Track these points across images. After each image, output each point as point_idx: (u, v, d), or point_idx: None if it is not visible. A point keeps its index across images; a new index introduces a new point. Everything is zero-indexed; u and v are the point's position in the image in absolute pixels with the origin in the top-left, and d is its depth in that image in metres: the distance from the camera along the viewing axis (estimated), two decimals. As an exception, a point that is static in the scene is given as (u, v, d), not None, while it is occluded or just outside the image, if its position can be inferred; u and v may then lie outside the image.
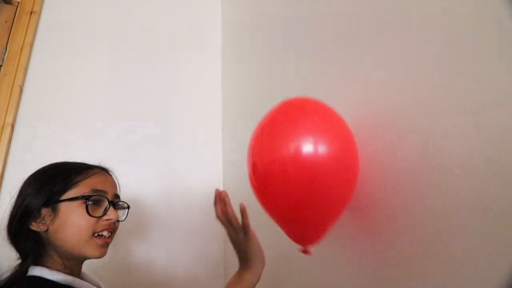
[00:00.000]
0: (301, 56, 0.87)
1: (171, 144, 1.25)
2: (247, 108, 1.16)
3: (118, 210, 0.63)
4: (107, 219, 0.59)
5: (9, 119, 1.04)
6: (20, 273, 0.55)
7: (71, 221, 0.56)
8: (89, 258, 0.59)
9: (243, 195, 1.13)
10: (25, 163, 1.01)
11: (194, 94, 1.35)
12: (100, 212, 0.59)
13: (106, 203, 0.60)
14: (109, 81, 1.23)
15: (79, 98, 1.17)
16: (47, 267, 0.56)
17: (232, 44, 1.38)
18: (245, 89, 1.21)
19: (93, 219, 0.57)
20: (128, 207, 0.68)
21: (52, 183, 0.58)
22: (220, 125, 1.36)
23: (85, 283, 0.59)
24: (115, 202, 0.63)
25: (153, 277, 1.08)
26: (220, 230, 1.19)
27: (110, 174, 0.67)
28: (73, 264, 0.59)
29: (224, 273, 1.18)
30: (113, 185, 0.65)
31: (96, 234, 0.58)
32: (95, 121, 1.16)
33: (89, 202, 0.57)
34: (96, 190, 0.59)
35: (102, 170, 0.65)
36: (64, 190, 0.58)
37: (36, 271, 0.54)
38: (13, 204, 0.59)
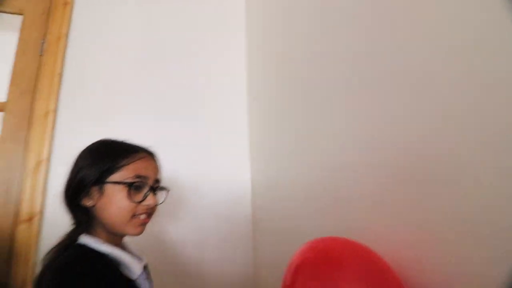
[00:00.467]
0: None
1: (201, 131, 1.27)
2: (273, 96, 1.12)
3: (157, 194, 0.66)
4: (146, 204, 0.62)
5: (51, 106, 1.10)
6: (70, 239, 0.60)
7: (114, 202, 0.60)
8: (128, 235, 0.64)
9: (270, 183, 1.15)
10: (69, 146, 1.07)
11: (222, 85, 1.35)
12: (140, 197, 0.62)
13: (146, 189, 0.63)
14: (140, 67, 1.25)
15: (113, 83, 1.20)
16: (94, 237, 0.61)
17: (257, 30, 1.33)
18: (270, 77, 1.16)
19: (134, 203, 0.61)
20: (168, 191, 0.70)
21: (101, 163, 0.62)
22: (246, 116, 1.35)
23: (126, 254, 0.62)
24: (155, 187, 0.65)
25: (186, 254, 1.12)
26: (247, 214, 1.32)
27: (154, 159, 0.69)
28: (115, 237, 0.64)
29: (253, 254, 1.21)
30: (156, 170, 0.67)
31: (136, 217, 0.62)
32: (130, 105, 1.20)
33: (131, 188, 0.61)
34: (139, 176, 0.62)
35: (148, 155, 0.67)
36: (111, 172, 0.61)
37: (84, 239, 0.60)
38: (68, 174, 0.64)
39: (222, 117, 1.30)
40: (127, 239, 0.70)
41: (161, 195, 0.68)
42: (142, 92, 1.23)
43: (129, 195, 0.60)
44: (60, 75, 1.15)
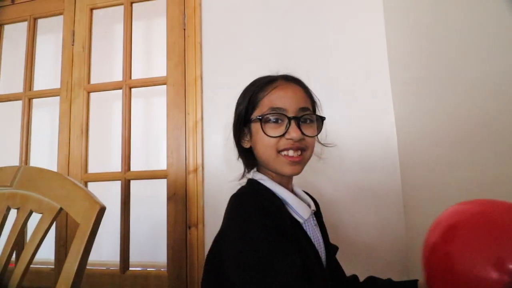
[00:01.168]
0: None
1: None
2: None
3: (306, 125, 0.58)
4: (288, 138, 0.55)
5: (198, 72, 1.25)
6: (246, 176, 0.65)
7: (258, 140, 0.58)
8: (284, 174, 0.59)
9: (417, 151, 0.96)
10: (216, 107, 1.22)
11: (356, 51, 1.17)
12: (280, 130, 0.55)
13: (286, 121, 0.56)
14: (272, 32, 1.24)
15: (248, 47, 1.24)
16: (264, 174, 0.61)
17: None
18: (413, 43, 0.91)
19: (275, 139, 0.56)
20: (321, 119, 0.60)
21: (244, 101, 0.61)
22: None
23: (293, 197, 0.59)
24: (300, 117, 0.56)
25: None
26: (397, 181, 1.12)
27: (295, 85, 0.60)
28: (283, 178, 0.61)
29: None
30: (296, 98, 0.58)
31: (283, 153, 0.57)
32: (262, 64, 1.22)
33: (264, 123, 0.56)
34: (273, 108, 0.56)
35: (285, 82, 0.60)
36: (252, 110, 0.59)
37: (256, 175, 0.62)
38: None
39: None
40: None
41: (311, 127, 0.59)
42: (272, 53, 1.22)
43: (265, 130, 0.56)
44: (200, 44, 1.27)
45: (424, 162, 0.91)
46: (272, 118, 0.56)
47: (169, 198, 1.21)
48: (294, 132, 0.55)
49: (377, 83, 1.13)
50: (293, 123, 0.56)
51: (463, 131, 0.70)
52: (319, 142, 0.67)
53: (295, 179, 0.65)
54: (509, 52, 0.55)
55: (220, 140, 1.20)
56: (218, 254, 0.54)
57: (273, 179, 0.60)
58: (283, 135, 0.56)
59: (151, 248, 1.41)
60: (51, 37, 1.59)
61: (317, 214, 0.68)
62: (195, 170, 1.21)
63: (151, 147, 1.49)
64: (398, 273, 1.04)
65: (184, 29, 1.30)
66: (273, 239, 0.47)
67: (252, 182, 0.61)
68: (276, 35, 1.23)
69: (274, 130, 0.56)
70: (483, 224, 0.39)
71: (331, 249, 0.66)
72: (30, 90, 1.44)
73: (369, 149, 1.11)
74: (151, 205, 1.41)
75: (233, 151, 0.67)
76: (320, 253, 0.59)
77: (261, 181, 0.60)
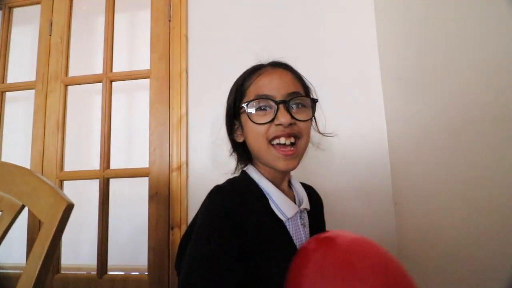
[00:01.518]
0: None
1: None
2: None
3: (297, 109, 0.54)
4: (277, 124, 0.52)
5: (183, 65, 1.19)
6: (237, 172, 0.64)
7: (249, 131, 0.55)
8: (278, 169, 0.55)
9: (407, 148, 0.94)
10: (203, 102, 1.17)
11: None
12: (269, 117, 0.52)
13: (274, 107, 0.52)
14: (261, 25, 1.20)
15: (234, 39, 1.20)
16: (256, 167, 0.59)
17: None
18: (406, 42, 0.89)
19: (263, 126, 0.53)
20: (314, 101, 0.56)
21: (231, 95, 0.59)
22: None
23: (280, 193, 0.56)
24: (288, 101, 0.53)
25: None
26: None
27: (282, 70, 0.57)
28: (276, 173, 0.57)
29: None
30: (283, 82, 0.54)
31: (274, 143, 0.53)
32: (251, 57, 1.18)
33: (249, 111, 0.53)
34: (260, 96, 0.53)
35: (271, 68, 0.57)
36: (240, 101, 0.57)
37: (248, 168, 0.60)
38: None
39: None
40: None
41: (304, 112, 0.55)
42: (261, 46, 1.18)
43: (252, 118, 0.53)
44: (186, 36, 1.22)
45: (415, 159, 0.89)
46: (257, 104, 0.53)
47: (150, 198, 1.15)
48: (282, 117, 0.51)
49: (368, 79, 1.11)
50: (281, 107, 0.52)
51: (454, 128, 0.67)
52: (319, 132, 0.63)
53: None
54: (504, 47, 0.53)
55: (206, 137, 1.14)
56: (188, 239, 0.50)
57: (264, 173, 0.57)
58: (272, 120, 0.52)
59: (131, 251, 1.34)
60: (29, 28, 1.50)
61: (314, 213, 0.63)
62: (179, 168, 1.15)
63: (133, 144, 1.42)
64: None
65: (170, 21, 1.25)
66: (221, 250, 0.46)
67: (242, 175, 0.59)
68: (266, 28, 1.18)
69: (262, 117, 0.53)
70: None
71: None
72: (3, 83, 1.35)
73: (359, 146, 1.08)
74: (132, 205, 1.34)
75: (220, 148, 0.63)
76: None
77: (250, 174, 0.58)
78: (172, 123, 1.17)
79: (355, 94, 1.10)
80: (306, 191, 0.64)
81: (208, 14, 1.24)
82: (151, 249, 1.12)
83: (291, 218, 0.55)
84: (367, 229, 1.04)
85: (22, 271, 0.53)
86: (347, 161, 1.08)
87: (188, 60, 1.20)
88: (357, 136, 1.08)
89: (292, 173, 0.63)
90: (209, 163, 1.13)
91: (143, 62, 1.27)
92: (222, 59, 1.19)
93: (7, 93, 1.35)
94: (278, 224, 0.54)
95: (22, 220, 1.14)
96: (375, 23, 1.14)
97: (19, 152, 1.38)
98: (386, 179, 1.05)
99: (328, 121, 1.06)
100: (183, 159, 1.14)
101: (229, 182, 0.57)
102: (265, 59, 0.62)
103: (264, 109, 0.53)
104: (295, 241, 0.55)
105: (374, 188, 1.06)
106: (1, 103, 1.33)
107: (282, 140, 0.52)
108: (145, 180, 1.18)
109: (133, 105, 1.44)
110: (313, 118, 0.58)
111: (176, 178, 1.14)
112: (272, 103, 0.53)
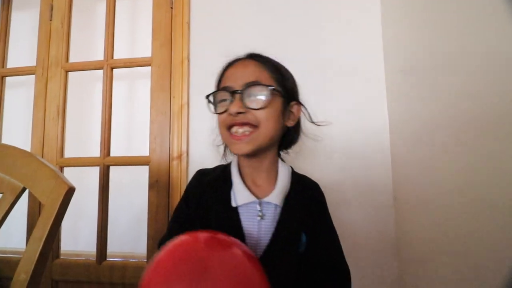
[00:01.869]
0: None
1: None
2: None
3: (254, 99, 0.54)
4: (229, 114, 0.54)
5: (185, 53, 1.18)
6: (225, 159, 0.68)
7: (217, 120, 0.59)
8: (234, 154, 0.60)
9: (409, 144, 0.93)
10: (204, 91, 1.15)
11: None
12: (225, 106, 0.55)
13: (229, 97, 0.55)
14: (262, 11, 1.18)
15: (238, 29, 1.18)
16: (238, 158, 0.62)
17: None
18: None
19: (221, 116, 0.57)
20: (269, 89, 0.54)
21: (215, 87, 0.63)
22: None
23: (236, 178, 0.58)
24: (241, 90, 0.54)
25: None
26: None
27: (247, 62, 0.58)
28: (250, 160, 0.59)
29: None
30: (244, 73, 0.56)
31: (232, 131, 0.56)
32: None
33: (209, 101, 0.59)
34: (221, 88, 0.57)
35: (241, 60, 0.60)
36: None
37: (232, 160, 0.63)
38: None
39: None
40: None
41: (261, 100, 0.54)
42: (263, 35, 1.17)
43: (215, 109, 0.58)
44: (188, 24, 1.20)
45: (416, 155, 0.88)
46: (218, 96, 0.57)
47: (150, 186, 1.15)
48: (232, 106, 0.54)
49: (371, 73, 1.09)
50: (235, 97, 0.54)
51: (458, 125, 0.67)
52: (311, 121, 0.63)
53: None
54: (509, 42, 0.52)
55: (207, 126, 1.12)
56: None
57: (240, 161, 0.61)
58: (226, 110, 0.55)
59: (131, 238, 1.35)
60: (29, 13, 1.48)
61: (297, 210, 0.58)
62: (179, 157, 1.14)
63: (134, 132, 1.42)
64: (387, 267, 1.01)
65: (172, 8, 1.23)
66: (176, 216, 0.62)
67: (229, 162, 0.64)
68: (269, 17, 1.17)
69: (219, 108, 0.57)
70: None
71: (289, 254, 0.56)
72: (3, 67, 1.34)
73: (360, 140, 1.08)
74: (132, 193, 1.34)
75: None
76: (249, 246, 0.52)
77: (232, 162, 0.62)
78: (173, 112, 1.16)
79: (357, 87, 1.10)
80: (300, 188, 0.60)
81: (210, 2, 1.22)
82: (151, 237, 1.12)
83: (244, 206, 0.56)
84: (366, 224, 1.04)
85: (21, 256, 0.53)
86: (347, 155, 1.07)
87: (190, 48, 1.19)
88: (358, 130, 1.08)
89: (294, 168, 0.64)
90: (209, 152, 1.13)
91: (144, 50, 1.25)
92: (224, 47, 1.15)
93: (7, 78, 1.34)
94: (231, 209, 0.56)
95: (22, 205, 1.15)
96: (380, 15, 1.12)
97: (19, 137, 1.37)
98: (387, 174, 1.05)
99: (329, 114, 1.06)
100: (184, 148, 1.14)
101: (215, 167, 0.65)
102: (268, 52, 0.63)
103: (224, 100, 0.56)
104: (244, 229, 0.55)
105: (374, 183, 1.06)
106: (1, 88, 1.32)
107: (234, 129, 0.55)
108: (145, 169, 1.17)
109: (134, 93, 1.44)
110: (303, 108, 0.62)
111: (177, 166, 1.14)
112: (227, 94, 0.55)
